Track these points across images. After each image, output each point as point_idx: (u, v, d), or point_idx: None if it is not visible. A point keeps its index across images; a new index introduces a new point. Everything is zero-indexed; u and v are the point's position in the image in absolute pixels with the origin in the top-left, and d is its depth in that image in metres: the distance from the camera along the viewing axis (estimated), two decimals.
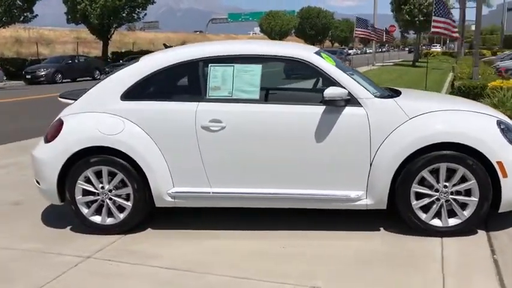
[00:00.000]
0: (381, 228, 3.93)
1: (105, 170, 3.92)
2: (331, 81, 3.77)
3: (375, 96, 3.78)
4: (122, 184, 3.95)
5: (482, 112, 3.87)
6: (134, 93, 3.97)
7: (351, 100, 3.69)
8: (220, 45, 4.10)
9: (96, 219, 4.02)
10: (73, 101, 4.22)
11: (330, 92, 3.62)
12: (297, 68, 3.94)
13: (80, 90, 4.55)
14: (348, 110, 3.70)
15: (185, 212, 4.26)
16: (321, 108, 3.73)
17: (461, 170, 3.61)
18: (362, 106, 3.71)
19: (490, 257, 3.36)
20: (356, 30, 25.26)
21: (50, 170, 3.97)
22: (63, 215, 4.38)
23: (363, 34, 25.85)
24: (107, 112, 3.97)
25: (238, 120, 3.78)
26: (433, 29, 13.30)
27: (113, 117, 3.94)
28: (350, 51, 59.69)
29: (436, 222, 3.72)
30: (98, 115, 3.98)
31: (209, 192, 3.88)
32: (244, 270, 3.30)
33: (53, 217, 4.48)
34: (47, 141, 4.06)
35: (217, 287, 3.10)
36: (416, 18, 27.64)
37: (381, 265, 3.33)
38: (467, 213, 3.67)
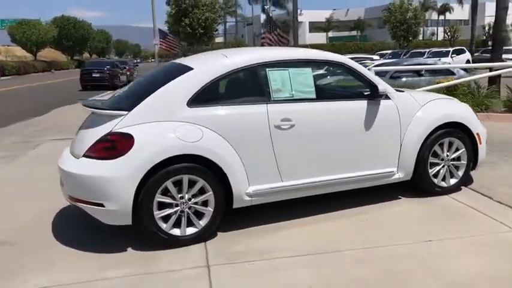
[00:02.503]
0: (401, 197, 4.89)
1: (185, 178, 3.84)
2: (364, 79, 4.54)
3: (396, 91, 4.72)
4: (200, 191, 3.93)
5: (456, 100, 5.21)
6: (200, 99, 3.98)
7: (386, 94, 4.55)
8: (274, 51, 4.45)
9: (175, 231, 3.89)
10: (98, 109, 4.05)
11: (382, 88, 4.41)
12: (333, 69, 4.59)
13: (98, 99, 4.29)
14: (383, 102, 4.54)
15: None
16: (364, 103, 4.47)
17: (456, 142, 4.85)
18: (390, 99, 4.59)
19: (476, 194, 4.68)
20: (160, 42, 25.62)
21: (125, 187, 3.68)
22: (107, 236, 4.03)
23: (164, 45, 26.38)
24: (177, 120, 3.88)
25: (304, 117, 4.22)
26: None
27: (187, 124, 3.89)
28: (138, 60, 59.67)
29: (442, 183, 4.88)
30: (170, 124, 3.86)
31: (282, 186, 4.20)
32: (362, 241, 3.82)
33: (102, 241, 4.04)
34: (111, 157, 3.71)
35: (359, 258, 3.57)
36: (197, 31, 29.63)
37: (437, 218, 4.29)
38: (460, 173, 4.94)
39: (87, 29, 72.69)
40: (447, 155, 4.85)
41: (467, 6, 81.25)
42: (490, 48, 35.26)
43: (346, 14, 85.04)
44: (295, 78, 4.29)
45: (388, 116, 4.55)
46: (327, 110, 4.36)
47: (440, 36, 76.83)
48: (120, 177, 3.67)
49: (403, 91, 4.99)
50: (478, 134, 4.94)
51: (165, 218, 3.85)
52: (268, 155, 4.12)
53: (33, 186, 5.95)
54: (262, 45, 17.17)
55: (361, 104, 4.47)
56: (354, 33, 77.73)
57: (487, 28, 67.18)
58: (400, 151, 4.63)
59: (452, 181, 4.93)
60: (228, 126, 3.99)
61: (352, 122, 4.43)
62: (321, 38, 73.31)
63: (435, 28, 79.62)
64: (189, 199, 3.89)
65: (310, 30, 79.65)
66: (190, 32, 29.64)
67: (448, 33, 67.16)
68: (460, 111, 4.95)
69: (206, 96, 4.03)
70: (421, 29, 56.06)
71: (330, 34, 77.78)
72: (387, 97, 4.58)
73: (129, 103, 3.99)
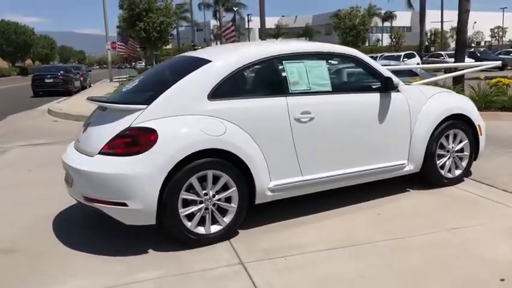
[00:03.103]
0: (410, 189, 4.93)
1: (210, 173, 3.69)
2: (375, 72, 4.56)
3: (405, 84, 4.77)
4: (223, 187, 3.78)
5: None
6: (220, 92, 3.85)
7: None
8: (290, 44, 4.36)
9: (200, 230, 3.72)
10: (114, 104, 3.90)
11: (396, 80, 4.43)
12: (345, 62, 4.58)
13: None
14: (394, 95, 4.57)
15: None
16: (376, 95, 4.48)
17: (460, 134, 4.96)
18: (400, 92, 4.63)
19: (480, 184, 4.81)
20: (121, 46, 24.96)
21: (150, 184, 3.48)
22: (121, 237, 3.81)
23: (124, 49, 25.74)
24: (199, 114, 3.73)
25: (323, 110, 4.17)
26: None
27: (209, 118, 3.74)
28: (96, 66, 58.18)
29: (448, 174, 4.96)
30: (193, 117, 3.71)
31: (302, 181, 4.12)
32: (389, 232, 3.81)
33: (116, 244, 3.80)
34: (133, 153, 3.51)
35: (395, 248, 3.55)
36: (152, 35, 29.10)
37: (451, 208, 4.35)
38: (464, 164, 5.05)
39: (30, 34, 69.89)
40: (452, 147, 4.95)
41: (409, 14, 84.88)
42: (435, 52, 36.97)
43: (295, 21, 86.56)
44: (311, 71, 4.24)
45: (399, 108, 4.58)
46: (343, 102, 4.33)
47: (385, 42, 79.67)
48: (144, 174, 3.48)
49: (410, 84, 5.05)
50: (479, 125, 5.07)
51: (189, 216, 3.68)
52: (289, 149, 4.03)
53: (16, 193, 5.58)
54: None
55: (375, 97, 4.48)
56: (302, 39, 79.19)
57: (429, 34, 70.48)
58: (410, 143, 4.67)
59: (457, 172, 5.02)
60: (250, 119, 3.87)
61: (367, 114, 4.42)
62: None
63: (379, 34, 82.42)
64: (213, 195, 3.74)
65: (260, 36, 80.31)
66: (144, 36, 29.09)
67: (394, 39, 69.80)
68: (463, 103, 5.07)
69: (226, 89, 3.90)
70: (369, 35, 57.79)
71: (280, 40, 78.69)
72: (397, 90, 4.61)
73: (146, 97, 3.80)
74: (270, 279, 3.14)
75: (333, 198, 4.57)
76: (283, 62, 4.15)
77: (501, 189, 4.79)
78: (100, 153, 3.63)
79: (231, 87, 3.94)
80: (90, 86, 27.67)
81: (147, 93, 3.86)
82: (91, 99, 4.00)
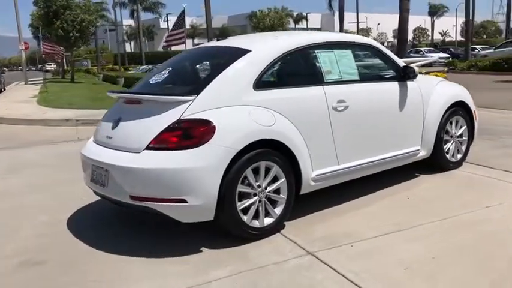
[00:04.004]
0: (419, 174, 5.13)
1: (263, 165, 3.59)
2: (392, 62, 4.70)
3: None
4: (273, 179, 3.70)
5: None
6: (263, 82, 3.77)
7: None
8: (319, 34, 4.38)
9: (255, 223, 3.60)
10: (156, 96, 3.69)
11: (417, 70, 4.59)
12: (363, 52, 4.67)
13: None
14: (409, 84, 4.73)
15: None
16: (396, 84, 4.62)
17: (461, 120, 5.26)
18: (413, 80, 4.80)
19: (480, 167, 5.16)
20: (46, 47, 23.22)
21: (210, 178, 3.32)
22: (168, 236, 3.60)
23: (51, 50, 24.02)
24: (247, 104, 3.62)
25: (356, 98, 4.22)
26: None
27: (258, 108, 3.64)
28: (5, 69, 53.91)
29: (452, 158, 5.23)
30: (243, 108, 3.59)
31: (339, 169, 4.14)
32: (429, 214, 3.92)
33: (157, 244, 3.57)
34: (189, 146, 3.32)
35: (445, 228, 3.68)
36: (71, 34, 27.49)
37: (472, 188, 4.60)
38: (464, 148, 5.36)
39: None
40: (455, 132, 5.23)
41: (318, 16, 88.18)
42: None
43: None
44: (340, 60, 4.27)
45: (414, 96, 4.75)
46: (371, 91, 4.42)
47: None
48: (205, 168, 3.30)
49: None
50: (474, 111, 5.41)
51: (244, 210, 3.55)
52: (328, 138, 4.03)
53: (12, 199, 5.08)
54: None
55: (395, 85, 4.61)
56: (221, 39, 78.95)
57: None
58: (423, 130, 4.87)
59: (459, 156, 5.32)
60: (294, 109, 3.82)
61: (390, 102, 4.55)
62: (187, 44, 73.35)
63: None
64: (265, 187, 3.64)
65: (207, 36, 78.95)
66: (62, 35, 27.43)
67: None
68: (462, 91, 5.37)
69: (268, 78, 3.83)
70: None
71: (196, 41, 78.14)
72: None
73: (190, 88, 3.61)
74: (349, 266, 3.12)
75: (353, 187, 4.61)
76: (316, 51, 4.15)
77: (501, 170, 5.14)
78: (148, 148, 3.39)
79: (272, 76, 3.88)
80: (4, 89, 25.60)
81: (189, 85, 3.69)
82: (113, 92, 3.74)
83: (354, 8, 44.57)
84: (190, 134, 3.37)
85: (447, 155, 5.16)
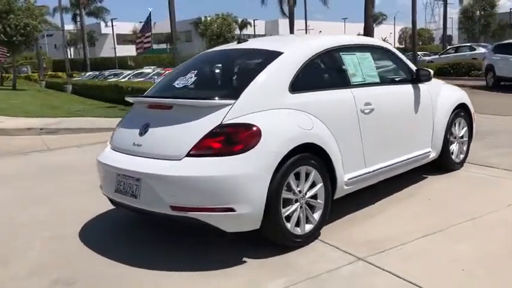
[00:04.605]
0: (426, 176, 5.19)
1: (303, 170, 3.48)
2: (404, 64, 4.74)
3: None
4: (311, 184, 3.60)
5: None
6: (297, 85, 3.66)
7: None
8: (341, 36, 4.30)
9: (297, 230, 3.48)
10: (194, 100, 3.48)
11: (432, 72, 4.65)
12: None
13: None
14: (421, 86, 4.79)
15: None
16: (410, 87, 4.66)
17: (462, 121, 5.39)
18: (424, 83, 4.86)
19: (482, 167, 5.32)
20: None
21: (259, 185, 3.18)
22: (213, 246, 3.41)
23: None
24: (284, 107, 3.50)
25: (380, 101, 4.20)
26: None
27: (296, 111, 3.53)
28: None
29: (456, 159, 5.34)
30: (282, 111, 3.48)
31: (366, 173, 4.09)
32: (456, 215, 3.95)
33: (192, 256, 3.37)
34: (235, 152, 3.16)
35: (481, 227, 3.72)
36: (15, 38, 26.08)
37: (485, 188, 4.71)
38: (465, 148, 5.49)
39: None
40: (458, 133, 5.35)
41: (263, 23, 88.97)
42: None
43: (154, 27, 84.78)
44: (362, 63, 4.25)
45: (426, 98, 4.81)
46: (391, 93, 4.43)
47: None
48: (253, 174, 3.15)
49: None
50: (473, 113, 5.56)
51: (286, 218, 3.42)
52: (357, 141, 3.99)
53: (4, 215, 4.69)
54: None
55: (410, 88, 4.65)
56: (163, 46, 77.83)
57: None
58: (432, 131, 4.94)
59: (462, 156, 5.45)
60: (327, 112, 3.74)
61: (407, 105, 4.58)
62: (130, 50, 71.58)
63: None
64: (305, 193, 3.53)
65: (119, 42, 77.13)
66: (5, 40, 25.95)
67: None
68: (463, 94, 5.50)
69: (301, 81, 3.72)
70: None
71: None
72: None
73: (227, 92, 3.46)
74: (407, 269, 3.06)
75: (366, 192, 4.51)
76: (341, 53, 4.10)
77: (502, 169, 5.31)
78: (189, 155, 3.20)
79: (305, 79, 3.77)
80: None
81: (224, 88, 3.54)
82: (136, 96, 3.52)
83: (298, 15, 45.24)
84: (235, 139, 3.21)
85: (452, 156, 5.26)
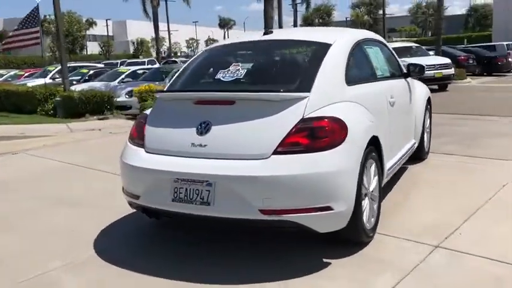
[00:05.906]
0: (406, 166, 5.43)
1: (369, 163, 3.40)
2: (396, 59, 4.93)
3: None
4: (373, 176, 3.54)
5: None
6: (349, 77, 3.57)
7: None
8: (360, 31, 4.29)
9: (367, 225, 3.38)
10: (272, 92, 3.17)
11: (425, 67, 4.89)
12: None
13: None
14: (409, 80, 5.03)
15: None
16: (404, 80, 4.87)
17: (428, 113, 5.81)
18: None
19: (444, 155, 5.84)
20: None
21: (352, 181, 3.06)
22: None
23: None
24: (347, 100, 3.40)
25: (397, 94, 4.32)
26: None
27: (357, 104, 3.45)
28: None
29: (426, 148, 5.73)
30: (349, 104, 3.38)
31: (394, 163, 4.18)
32: (469, 199, 4.21)
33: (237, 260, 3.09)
34: (325, 147, 2.95)
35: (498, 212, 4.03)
36: None
37: (463, 173, 5.12)
38: (429, 137, 5.92)
39: None
40: (427, 124, 5.74)
41: (110, 23, 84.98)
42: (169, 59, 38.45)
43: None
44: (377, 57, 4.33)
45: (412, 92, 5.07)
46: (399, 87, 4.59)
47: (90, 51, 77.56)
48: (347, 169, 3.01)
49: None
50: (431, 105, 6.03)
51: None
52: (388, 133, 4.03)
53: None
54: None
55: (404, 82, 4.86)
56: None
57: (135, 43, 72.69)
58: (415, 123, 5.22)
59: (429, 145, 5.86)
60: (372, 104, 3.72)
61: (406, 98, 4.78)
62: None
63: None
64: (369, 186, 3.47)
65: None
66: None
67: (103, 48, 68.67)
68: (427, 88, 5.91)
69: (350, 74, 3.63)
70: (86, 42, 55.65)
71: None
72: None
73: (297, 84, 3.23)
74: (490, 251, 3.17)
75: None
76: (364, 46, 4.11)
77: (462, 155, 5.84)
78: (276, 153, 2.91)
79: (351, 72, 3.68)
80: None
81: (287, 81, 3.31)
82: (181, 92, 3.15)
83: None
84: (323, 133, 3.00)
85: (425, 145, 5.64)
